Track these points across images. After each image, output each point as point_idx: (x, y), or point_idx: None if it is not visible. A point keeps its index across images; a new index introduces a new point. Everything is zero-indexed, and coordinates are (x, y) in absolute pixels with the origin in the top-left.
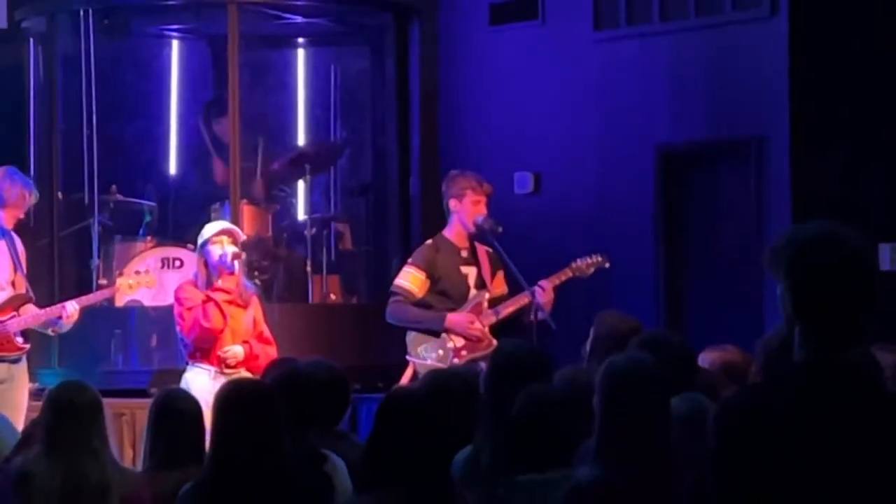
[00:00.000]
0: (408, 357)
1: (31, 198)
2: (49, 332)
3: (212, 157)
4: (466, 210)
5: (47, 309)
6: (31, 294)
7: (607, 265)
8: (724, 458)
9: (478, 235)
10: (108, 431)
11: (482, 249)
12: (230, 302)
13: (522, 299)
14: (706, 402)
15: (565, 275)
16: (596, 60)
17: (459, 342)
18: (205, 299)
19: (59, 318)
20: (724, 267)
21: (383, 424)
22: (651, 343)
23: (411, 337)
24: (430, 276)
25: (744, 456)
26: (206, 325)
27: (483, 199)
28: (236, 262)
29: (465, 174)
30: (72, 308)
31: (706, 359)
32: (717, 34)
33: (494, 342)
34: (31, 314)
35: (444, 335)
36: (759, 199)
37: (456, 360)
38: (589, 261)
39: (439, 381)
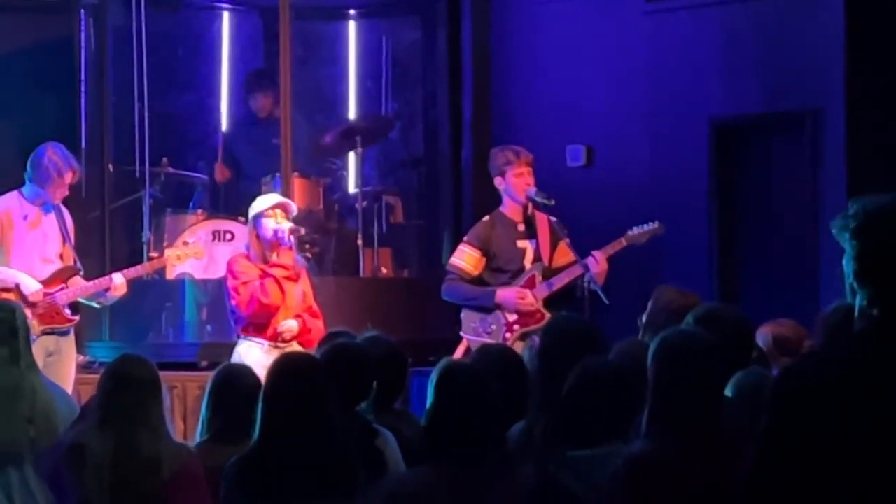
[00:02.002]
0: (462, 334)
1: (74, 175)
2: (96, 304)
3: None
4: (512, 184)
5: (95, 281)
6: (80, 266)
7: (662, 232)
8: (780, 426)
9: (535, 206)
10: (165, 408)
11: (543, 219)
12: (287, 277)
13: (575, 271)
14: (767, 376)
15: (619, 244)
16: (648, 32)
17: (512, 317)
18: (262, 274)
19: (107, 290)
20: (779, 241)
21: (439, 399)
22: (708, 317)
23: (465, 314)
24: (485, 253)
25: (801, 423)
26: (265, 300)
27: (525, 168)
28: (293, 238)
29: (502, 149)
30: (119, 280)
31: (761, 333)
32: (771, 4)
33: (547, 315)
34: (79, 286)
35: (496, 311)
36: (815, 173)
37: (508, 335)
38: (644, 229)
39: (490, 357)
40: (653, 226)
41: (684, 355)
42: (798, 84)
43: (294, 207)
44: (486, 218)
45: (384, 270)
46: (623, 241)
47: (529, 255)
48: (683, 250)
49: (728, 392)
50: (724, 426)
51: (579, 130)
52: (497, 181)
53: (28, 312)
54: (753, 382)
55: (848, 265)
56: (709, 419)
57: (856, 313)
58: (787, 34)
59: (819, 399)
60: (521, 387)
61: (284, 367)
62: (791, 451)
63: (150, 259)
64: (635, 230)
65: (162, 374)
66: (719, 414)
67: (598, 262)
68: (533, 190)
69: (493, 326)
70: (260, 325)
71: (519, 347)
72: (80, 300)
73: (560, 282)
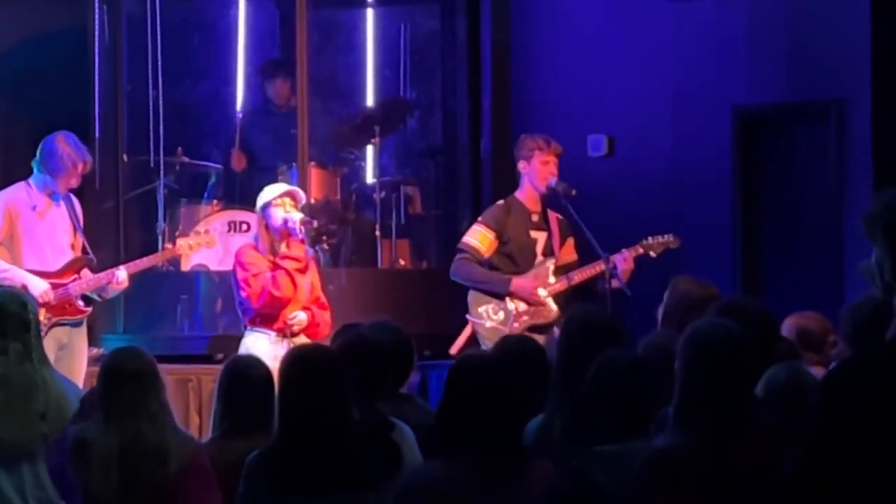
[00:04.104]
0: (467, 317)
1: (86, 165)
2: (97, 297)
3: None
4: (536, 171)
5: (98, 275)
6: (92, 256)
7: (676, 245)
8: (828, 431)
9: (550, 200)
10: (168, 397)
11: (553, 216)
12: (298, 270)
13: (597, 266)
14: (803, 371)
15: (636, 251)
16: (672, 20)
17: (521, 306)
18: (273, 266)
19: (108, 283)
20: (803, 232)
21: (454, 390)
22: (731, 310)
23: (472, 297)
24: (498, 236)
25: (850, 428)
26: (276, 293)
27: (552, 158)
28: (304, 229)
29: (533, 135)
30: (122, 276)
31: (786, 325)
32: None
33: (555, 309)
34: (84, 279)
35: (506, 298)
36: (840, 164)
37: (516, 325)
38: (659, 239)
39: (510, 347)
40: (668, 237)
41: (717, 347)
42: (823, 73)
43: (303, 196)
44: (501, 202)
45: (402, 262)
46: (639, 248)
47: (541, 246)
48: (706, 241)
49: (759, 387)
50: (755, 421)
51: (601, 120)
52: (521, 165)
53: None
54: (786, 378)
55: (884, 263)
56: (738, 413)
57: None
58: (813, 23)
59: (867, 403)
60: (544, 378)
61: (301, 360)
62: (839, 456)
63: (164, 249)
64: (650, 239)
65: (176, 367)
66: (749, 408)
67: (625, 260)
68: (555, 180)
69: (501, 314)
70: (268, 316)
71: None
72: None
73: (579, 275)
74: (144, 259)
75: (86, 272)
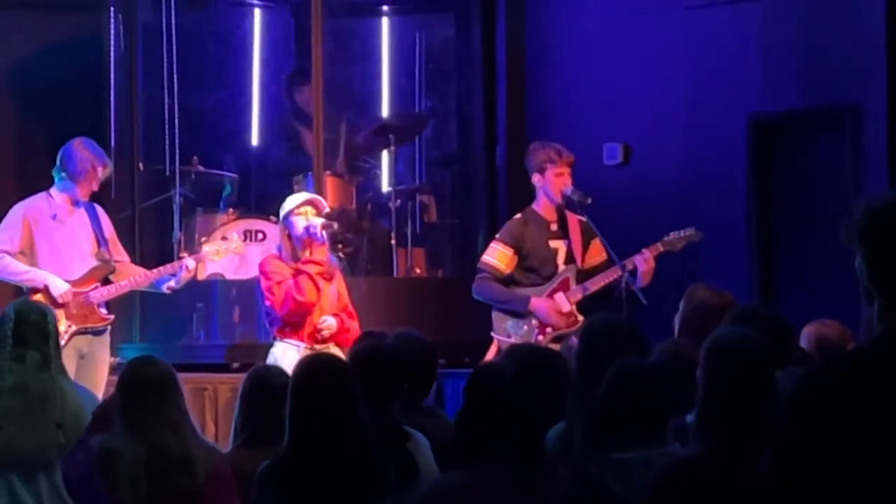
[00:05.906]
0: (493, 334)
1: (105, 170)
2: (164, 289)
3: (297, 128)
4: (550, 183)
5: (159, 269)
6: (114, 265)
7: (698, 239)
8: (797, 437)
9: (568, 205)
10: (187, 405)
11: (574, 220)
12: (321, 274)
13: (612, 273)
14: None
15: (656, 249)
16: (687, 27)
17: None
18: (296, 272)
19: (173, 275)
20: (819, 240)
21: (473, 401)
22: (746, 317)
23: (496, 314)
24: (517, 251)
25: (818, 435)
26: (300, 298)
27: (565, 169)
28: (325, 233)
29: (544, 146)
30: (191, 264)
31: (805, 333)
32: None
33: (581, 319)
34: (131, 280)
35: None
36: (856, 171)
37: (540, 337)
38: (681, 234)
39: (525, 357)
40: (689, 231)
41: (739, 357)
42: (838, 80)
43: (325, 204)
44: (518, 216)
45: (418, 270)
46: (660, 246)
47: (562, 256)
48: (722, 249)
49: None
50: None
51: (616, 128)
52: (535, 178)
53: (60, 313)
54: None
55: (861, 269)
56: (760, 423)
57: (874, 320)
58: (828, 30)
59: (837, 408)
60: (561, 387)
61: (309, 370)
62: (807, 463)
63: (180, 259)
64: (672, 235)
65: (193, 375)
66: (770, 417)
67: (646, 261)
68: (570, 188)
69: (525, 328)
70: (295, 325)
71: None
72: (143, 288)
73: (595, 284)
74: (168, 266)
75: (125, 269)
